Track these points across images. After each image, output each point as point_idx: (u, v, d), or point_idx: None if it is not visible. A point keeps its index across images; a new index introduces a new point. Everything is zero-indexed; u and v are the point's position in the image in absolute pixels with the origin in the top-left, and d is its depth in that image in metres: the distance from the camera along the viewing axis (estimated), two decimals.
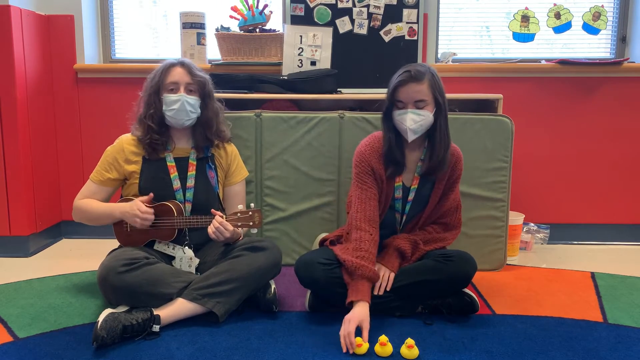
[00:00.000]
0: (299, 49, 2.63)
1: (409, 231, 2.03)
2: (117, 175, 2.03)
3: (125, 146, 2.03)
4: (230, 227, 1.90)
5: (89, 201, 2.01)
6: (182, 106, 1.97)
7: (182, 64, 2.02)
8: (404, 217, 2.00)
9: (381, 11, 2.68)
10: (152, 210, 1.91)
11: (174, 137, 2.06)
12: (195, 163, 2.05)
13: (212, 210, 1.93)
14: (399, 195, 1.97)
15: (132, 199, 1.97)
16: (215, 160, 2.11)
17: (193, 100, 2.00)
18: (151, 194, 1.94)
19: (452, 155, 1.98)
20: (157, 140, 2.00)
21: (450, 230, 2.05)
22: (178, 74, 1.99)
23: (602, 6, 2.80)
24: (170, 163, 2.02)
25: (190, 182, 2.03)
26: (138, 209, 1.89)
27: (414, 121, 1.85)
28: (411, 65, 1.90)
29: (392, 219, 2.01)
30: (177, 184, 2.01)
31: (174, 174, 2.02)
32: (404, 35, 2.71)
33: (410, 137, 1.88)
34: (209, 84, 2.06)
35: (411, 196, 1.97)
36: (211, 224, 1.89)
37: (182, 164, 2.04)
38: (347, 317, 1.69)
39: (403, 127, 1.87)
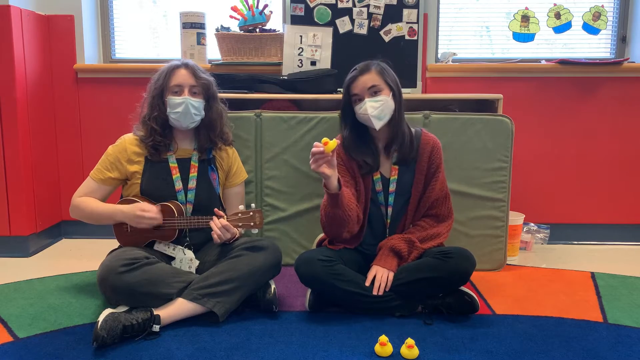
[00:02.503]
0: (299, 49, 2.63)
1: (401, 228, 2.03)
2: (118, 174, 2.03)
3: (127, 146, 2.03)
4: (233, 230, 1.90)
5: (88, 200, 2.01)
6: (186, 109, 1.97)
7: (186, 65, 2.01)
8: (390, 209, 2.01)
9: (381, 11, 2.68)
10: (158, 209, 1.91)
11: (176, 138, 2.06)
12: (197, 164, 2.05)
13: (216, 209, 1.93)
14: (379, 188, 2.00)
15: (133, 200, 1.97)
16: (217, 162, 2.11)
17: (197, 102, 1.99)
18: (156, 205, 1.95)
19: (427, 143, 2.03)
20: (160, 142, 2.00)
21: (443, 221, 2.05)
22: (182, 76, 1.98)
23: (602, 6, 2.80)
24: (173, 164, 2.02)
25: (192, 184, 2.03)
26: (142, 209, 1.88)
27: (373, 107, 1.92)
28: (360, 63, 2.01)
29: (379, 213, 2.02)
30: (179, 185, 2.01)
31: (176, 175, 2.02)
32: (404, 35, 2.71)
33: (377, 124, 1.94)
34: (213, 85, 2.06)
35: (392, 187, 2.00)
36: (213, 227, 1.89)
37: (184, 165, 2.04)
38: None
39: (366, 116, 1.94)
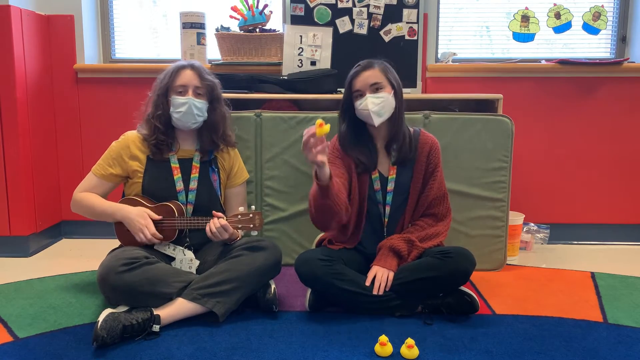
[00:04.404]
0: (299, 49, 2.63)
1: (400, 228, 2.04)
2: (120, 171, 2.03)
3: (130, 143, 2.04)
4: (231, 230, 1.90)
5: (90, 196, 2.02)
6: (189, 109, 1.97)
7: (192, 66, 2.02)
8: (388, 208, 2.01)
9: (381, 11, 2.68)
10: (161, 237, 1.92)
11: (179, 138, 2.07)
12: (198, 165, 2.05)
13: (214, 212, 1.93)
14: (377, 186, 2.01)
15: (136, 200, 1.97)
16: (218, 162, 2.11)
17: (200, 103, 2.00)
18: (161, 217, 1.94)
19: (425, 143, 2.03)
20: (162, 141, 2.01)
21: (441, 220, 2.05)
22: (187, 77, 1.99)
23: (602, 6, 2.80)
24: (174, 164, 2.03)
25: (193, 184, 2.03)
26: (147, 226, 1.89)
27: (374, 104, 1.92)
28: (363, 60, 2.01)
29: (377, 212, 2.02)
30: (180, 185, 2.01)
31: (177, 175, 2.02)
32: (404, 35, 2.71)
33: (376, 121, 1.94)
34: (218, 88, 2.07)
35: (390, 186, 2.01)
36: (210, 224, 1.89)
37: (185, 165, 2.04)
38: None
39: (366, 112, 1.93)
